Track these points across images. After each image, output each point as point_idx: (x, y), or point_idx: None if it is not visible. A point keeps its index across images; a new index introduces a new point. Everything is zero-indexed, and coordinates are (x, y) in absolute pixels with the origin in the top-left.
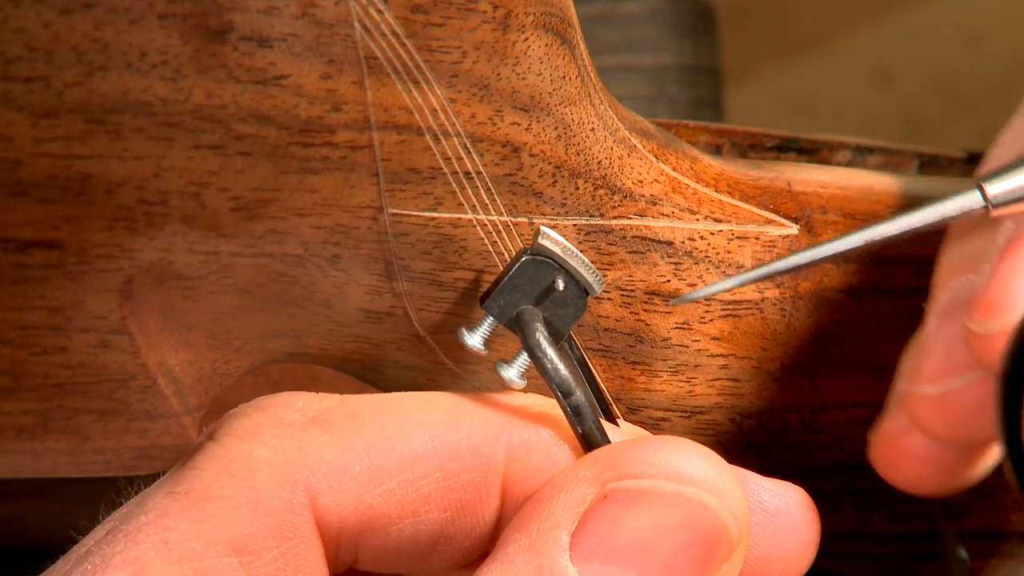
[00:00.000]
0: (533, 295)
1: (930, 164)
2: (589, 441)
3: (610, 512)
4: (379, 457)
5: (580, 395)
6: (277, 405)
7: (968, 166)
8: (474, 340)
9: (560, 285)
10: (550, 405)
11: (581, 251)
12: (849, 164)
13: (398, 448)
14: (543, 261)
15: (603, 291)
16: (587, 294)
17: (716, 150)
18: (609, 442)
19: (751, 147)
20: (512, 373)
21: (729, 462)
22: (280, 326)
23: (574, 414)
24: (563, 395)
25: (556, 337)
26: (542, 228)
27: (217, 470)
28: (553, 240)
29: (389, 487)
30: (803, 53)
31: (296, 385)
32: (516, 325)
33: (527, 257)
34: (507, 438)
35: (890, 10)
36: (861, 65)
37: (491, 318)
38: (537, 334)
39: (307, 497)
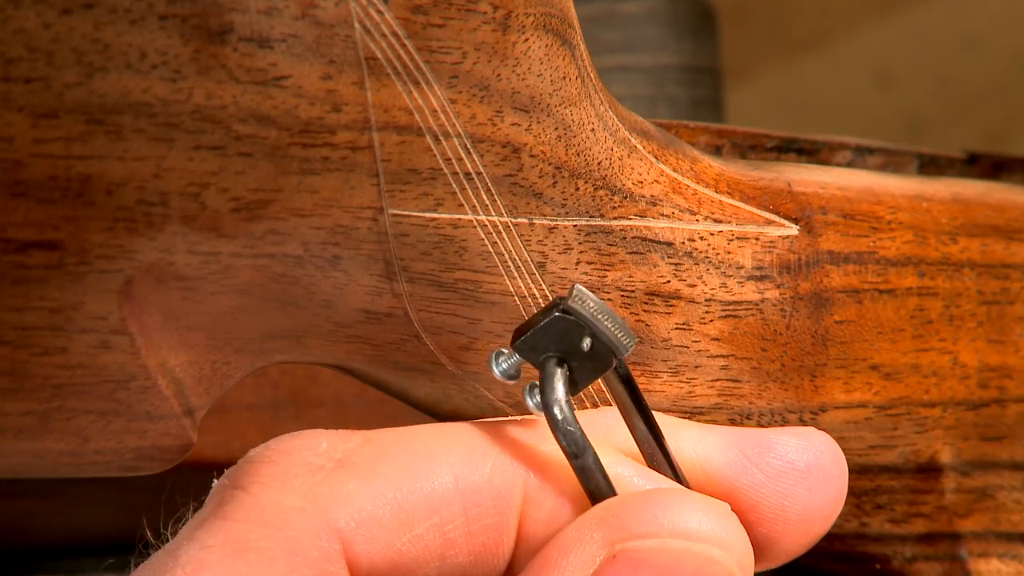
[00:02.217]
0: (562, 347)
1: (930, 164)
2: (596, 498)
3: (619, 573)
4: (408, 502)
5: (589, 457)
6: (302, 449)
7: (968, 167)
8: (500, 369)
9: (587, 345)
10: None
11: (581, 251)
12: (849, 164)
13: (425, 491)
14: (573, 320)
15: (604, 292)
16: (615, 355)
17: (716, 150)
18: (614, 492)
19: (751, 147)
20: (533, 404)
21: None
22: (280, 327)
23: (581, 473)
24: (571, 456)
25: (576, 387)
26: (576, 287)
27: (251, 520)
28: (584, 302)
29: (417, 532)
30: (803, 53)
31: (296, 385)
32: (541, 371)
33: (558, 313)
34: (525, 480)
35: (890, 10)
36: (861, 65)
37: (518, 356)
38: (554, 392)
39: (340, 545)
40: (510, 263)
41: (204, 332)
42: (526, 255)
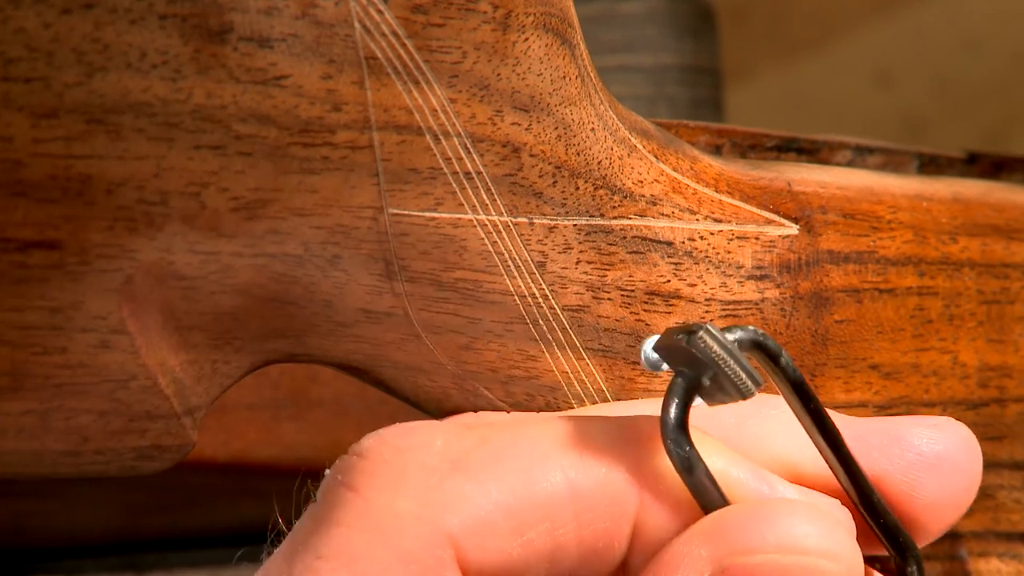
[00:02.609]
0: (692, 368)
1: (930, 164)
2: (708, 509)
3: None
4: (521, 507)
5: (700, 473)
6: (416, 448)
7: (968, 166)
8: (646, 355)
9: (707, 381)
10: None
11: (581, 251)
12: (849, 164)
13: (539, 496)
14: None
15: (604, 291)
16: (738, 395)
17: (716, 150)
18: (726, 503)
19: (751, 147)
20: (644, 362)
21: None
22: (280, 327)
23: (693, 489)
24: (682, 472)
25: (704, 401)
26: (707, 327)
27: (364, 528)
28: (706, 344)
29: (529, 537)
30: (803, 53)
31: (296, 385)
32: (670, 382)
33: (685, 344)
34: (640, 486)
35: (890, 10)
36: (861, 65)
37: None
38: (668, 412)
39: (452, 551)
40: (510, 262)
41: (204, 332)
42: (526, 254)
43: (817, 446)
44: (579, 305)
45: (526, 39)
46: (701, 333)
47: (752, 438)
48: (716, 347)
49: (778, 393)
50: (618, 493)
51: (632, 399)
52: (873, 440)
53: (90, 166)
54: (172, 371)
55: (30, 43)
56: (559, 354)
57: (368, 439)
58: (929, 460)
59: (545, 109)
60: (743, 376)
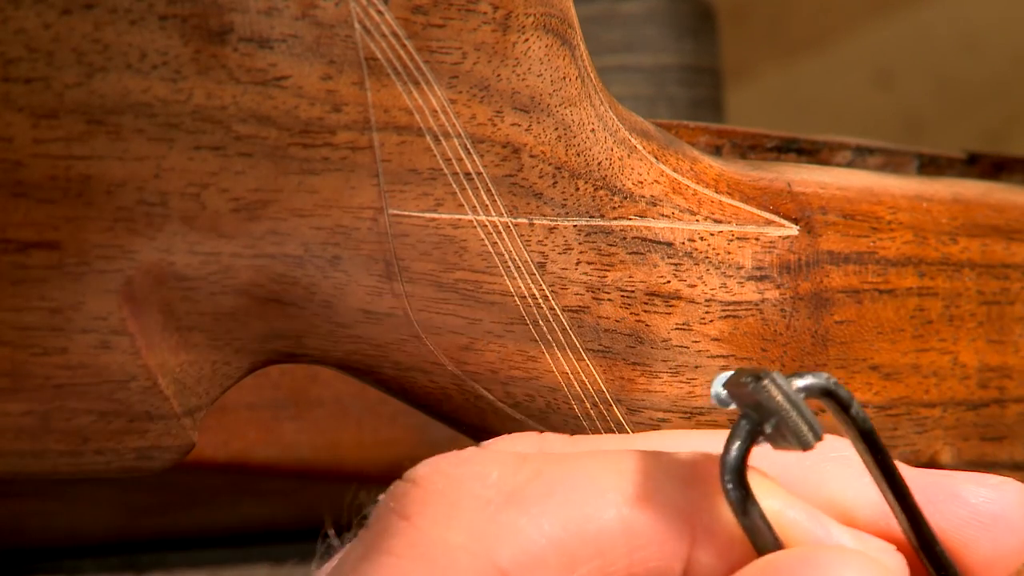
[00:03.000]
0: (758, 410)
1: (930, 164)
2: (761, 550)
3: None
4: (573, 543)
5: (756, 515)
6: (471, 478)
7: (968, 167)
8: (715, 392)
9: (768, 428)
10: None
11: (581, 252)
12: (849, 164)
13: (591, 532)
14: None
15: (604, 292)
16: (798, 445)
17: (716, 150)
18: (780, 546)
19: (751, 147)
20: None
21: None
22: (281, 327)
23: (748, 530)
24: (737, 514)
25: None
26: (774, 376)
27: (415, 558)
28: (769, 393)
29: (580, 573)
30: (803, 53)
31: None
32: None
33: (751, 387)
34: (694, 526)
35: (890, 10)
36: (861, 65)
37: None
38: (729, 453)
39: None
40: (510, 263)
41: (204, 332)
42: (526, 255)
43: (884, 495)
44: (579, 306)
45: (526, 40)
46: (767, 382)
47: (810, 479)
48: (779, 396)
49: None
50: (672, 532)
51: (632, 400)
52: (930, 494)
53: (90, 167)
54: (172, 372)
55: (30, 43)
56: (559, 355)
57: (423, 466)
58: (985, 520)
59: (545, 110)
60: (803, 429)
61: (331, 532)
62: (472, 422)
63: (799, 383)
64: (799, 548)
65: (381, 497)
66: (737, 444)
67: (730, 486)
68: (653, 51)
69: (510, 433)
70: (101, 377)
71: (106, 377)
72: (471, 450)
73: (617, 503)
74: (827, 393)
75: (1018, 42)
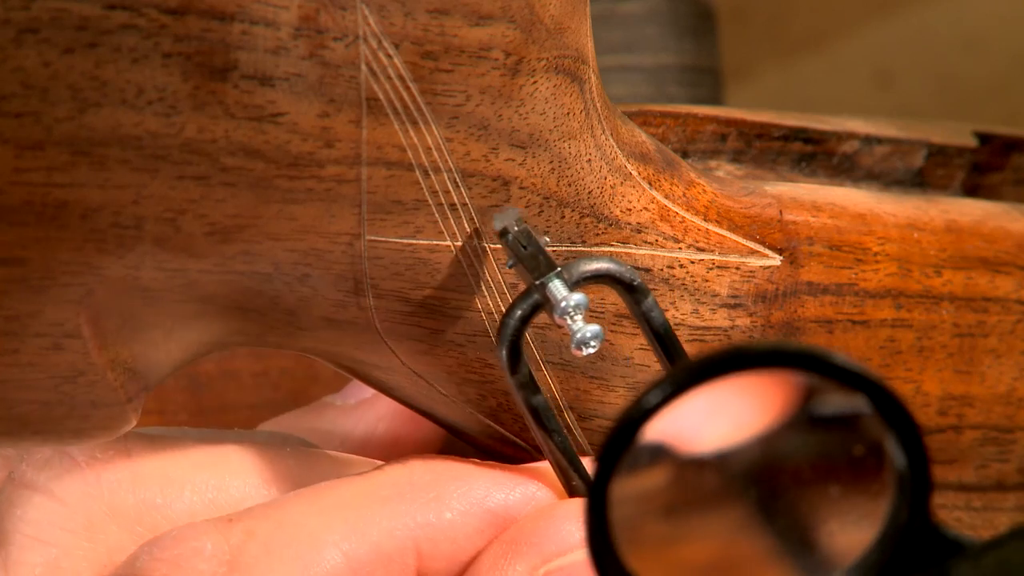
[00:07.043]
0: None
1: (938, 154)
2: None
3: None
4: None
5: (525, 372)
6: (189, 556)
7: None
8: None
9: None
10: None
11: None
12: (856, 154)
13: None
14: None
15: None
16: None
17: (722, 139)
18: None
19: (758, 136)
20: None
21: None
22: (241, 327)
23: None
24: (509, 373)
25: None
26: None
27: None
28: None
29: None
30: (803, 53)
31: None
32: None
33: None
34: (415, 538)
35: (890, 10)
36: (861, 65)
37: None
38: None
39: None
40: (482, 284)
41: (162, 330)
42: (500, 277)
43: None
44: (546, 323)
45: (534, 82)
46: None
47: None
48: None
49: None
50: (394, 550)
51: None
52: None
53: (68, 193)
54: (124, 363)
55: (26, 80)
56: None
57: (141, 557)
58: None
59: (543, 145)
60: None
61: None
62: (423, 408)
63: (587, 267)
64: (541, 510)
65: None
66: (518, 313)
67: (504, 353)
68: (653, 51)
69: (459, 421)
70: (48, 373)
71: (54, 373)
72: (183, 528)
73: (335, 542)
74: (612, 278)
75: (1018, 42)
